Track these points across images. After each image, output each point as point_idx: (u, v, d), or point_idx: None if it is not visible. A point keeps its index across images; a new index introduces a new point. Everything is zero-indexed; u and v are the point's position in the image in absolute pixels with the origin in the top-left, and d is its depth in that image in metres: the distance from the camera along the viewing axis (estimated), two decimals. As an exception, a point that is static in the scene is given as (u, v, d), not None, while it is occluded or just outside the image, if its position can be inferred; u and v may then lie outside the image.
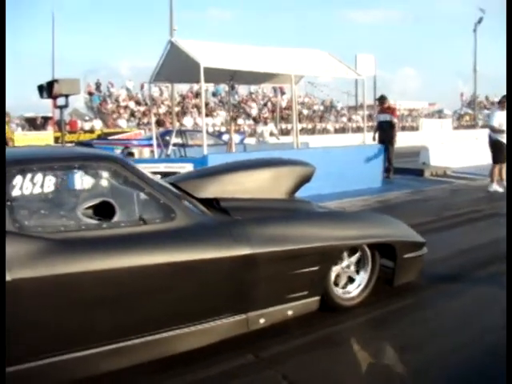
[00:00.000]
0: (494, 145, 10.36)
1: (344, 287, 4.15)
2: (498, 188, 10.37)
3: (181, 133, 13.70)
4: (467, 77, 44.96)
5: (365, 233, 4.23)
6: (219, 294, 3.45)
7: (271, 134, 19.26)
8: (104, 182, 3.37)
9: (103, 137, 23.82)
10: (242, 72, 10.85)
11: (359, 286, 4.20)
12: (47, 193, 3.11)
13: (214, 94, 38.79)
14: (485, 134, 23.64)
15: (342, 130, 37.38)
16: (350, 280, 4.19)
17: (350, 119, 41.32)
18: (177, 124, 20.80)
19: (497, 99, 56.26)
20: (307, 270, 3.74)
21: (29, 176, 3.00)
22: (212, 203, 3.78)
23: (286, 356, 3.37)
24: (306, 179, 4.58)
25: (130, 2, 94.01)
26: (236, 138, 16.01)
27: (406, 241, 4.43)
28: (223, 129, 30.40)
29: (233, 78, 11.73)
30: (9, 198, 2.86)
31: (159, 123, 29.12)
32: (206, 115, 35.67)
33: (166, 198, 3.35)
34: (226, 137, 16.30)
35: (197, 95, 35.78)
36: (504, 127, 9.89)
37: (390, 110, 12.77)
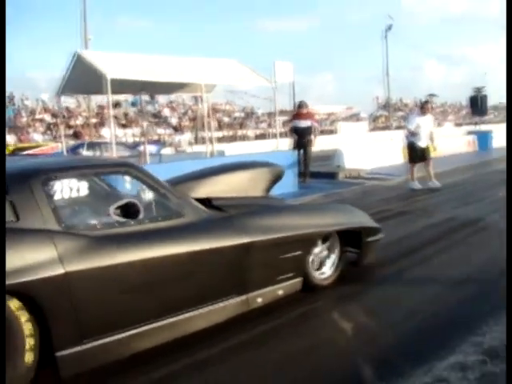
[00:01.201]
0: (408, 146, 11.13)
1: (319, 269, 4.71)
2: (417, 185, 10.96)
3: (93, 145, 13.36)
4: (381, 81, 46.58)
5: (336, 221, 4.87)
6: (226, 278, 3.92)
7: (189, 144, 19.16)
8: (128, 185, 3.87)
9: (16, 152, 22.65)
10: (152, 82, 10.73)
11: (331, 267, 4.78)
12: (83, 196, 3.64)
13: (134, 104, 38.18)
14: (399, 134, 24.67)
15: (263, 136, 37.79)
16: (322, 263, 4.77)
17: (269, 125, 41.86)
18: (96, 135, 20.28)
19: (409, 101, 58.37)
20: (292, 254, 4.30)
21: (66, 182, 3.46)
22: (205, 202, 4.17)
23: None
24: (277, 178, 5.17)
25: (45, 10, 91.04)
26: (152, 148, 15.80)
27: (368, 226, 5.08)
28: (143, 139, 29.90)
29: (143, 88, 11.60)
30: (52, 202, 3.19)
31: (76, 135, 28.28)
32: (126, 126, 35.12)
33: (176, 198, 3.80)
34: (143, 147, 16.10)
35: (115, 105, 35.08)
36: (420, 130, 10.55)
37: (310, 116, 13.06)
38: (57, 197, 3.34)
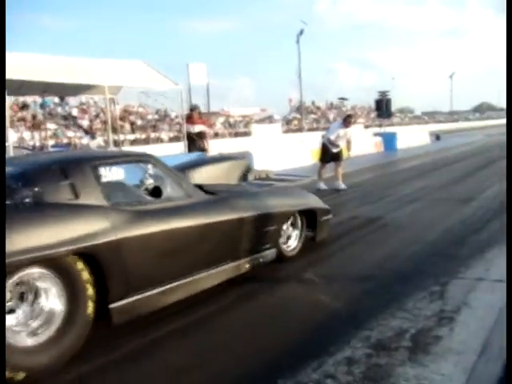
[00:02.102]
0: (322, 147, 11.55)
1: (286, 243, 5.63)
2: (323, 186, 11.26)
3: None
4: (296, 84, 47.49)
5: (299, 202, 5.96)
6: (224, 247, 4.68)
7: (98, 147, 18.62)
8: (150, 172, 4.55)
9: None
10: (58, 83, 10.36)
11: (295, 241, 5.77)
12: (119, 180, 4.30)
13: (42, 106, 36.65)
14: (311, 136, 25.15)
15: (177, 139, 37.41)
16: (289, 237, 5.71)
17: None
18: None
19: (322, 104, 59.68)
20: (270, 228, 5.20)
21: (107, 168, 4.11)
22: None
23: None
24: (247, 170, 6.63)
25: None
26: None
27: (322, 208, 6.21)
28: (51, 142, 28.78)
29: (47, 89, 11.18)
30: (100, 184, 3.86)
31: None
32: (35, 128, 33.61)
33: (185, 183, 4.65)
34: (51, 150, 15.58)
35: (23, 107, 33.53)
36: (339, 140, 10.98)
37: (202, 121, 13.10)
38: (103, 179, 4.01)
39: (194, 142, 12.64)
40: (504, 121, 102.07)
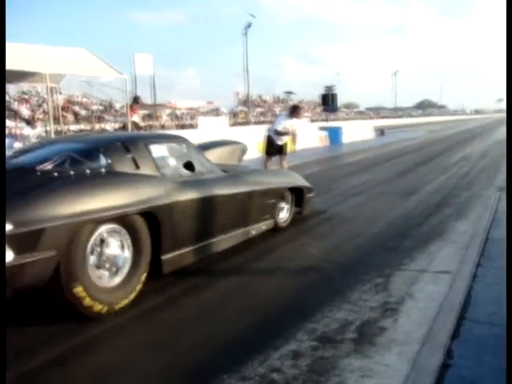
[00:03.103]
0: (267, 140, 11.22)
1: (278, 215, 6.51)
2: None
3: None
4: (243, 77, 47.41)
5: (289, 180, 7.02)
6: (239, 214, 5.59)
7: (38, 137, 17.94)
8: (185, 150, 5.23)
9: None
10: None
11: (287, 213, 6.75)
12: (166, 156, 4.90)
13: (-22, 94, 35.16)
14: (258, 129, 25.18)
15: (122, 130, 36.72)
16: (281, 210, 6.64)
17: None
18: None
19: (268, 98, 59.83)
20: (271, 201, 6.21)
21: (156, 146, 4.80)
22: None
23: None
24: (243, 152, 7.78)
25: None
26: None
27: (307, 186, 7.25)
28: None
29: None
30: (153, 159, 4.60)
31: None
32: (-31, 117, 32.22)
33: (208, 161, 5.46)
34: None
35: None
36: (285, 134, 10.65)
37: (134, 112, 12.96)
38: (155, 154, 4.68)
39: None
40: (444, 117, 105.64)
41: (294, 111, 10.87)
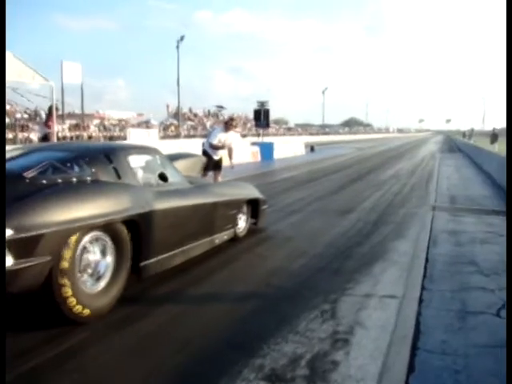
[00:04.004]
0: (203, 155, 10.67)
1: (237, 225, 6.76)
2: None
3: None
4: (174, 89, 46.71)
5: (247, 192, 7.26)
6: (204, 224, 5.74)
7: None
8: (159, 161, 5.40)
9: None
10: None
11: (244, 223, 7.01)
12: (142, 166, 5.04)
13: None
14: (188, 143, 24.78)
15: (47, 139, 35.20)
16: (239, 221, 6.89)
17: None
18: None
19: (199, 111, 59.41)
20: (232, 212, 6.48)
21: (134, 157, 4.93)
22: None
23: None
24: (202, 165, 8.41)
25: None
26: None
27: (262, 198, 7.55)
28: None
29: None
30: (133, 168, 4.77)
31: None
32: None
33: (178, 173, 5.67)
34: None
35: None
36: (220, 148, 10.21)
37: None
38: (132, 165, 4.81)
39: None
40: (370, 136, 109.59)
41: (229, 123, 10.55)
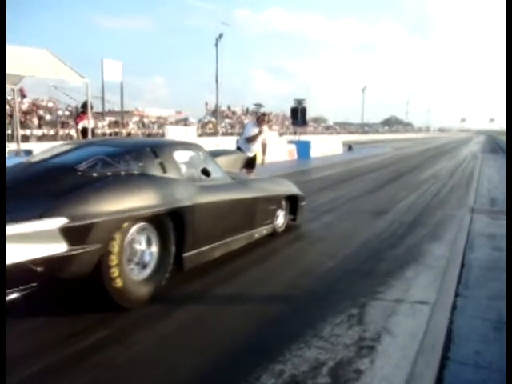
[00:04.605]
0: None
1: (276, 221, 6.86)
2: None
3: None
4: (213, 87, 46.77)
5: (287, 189, 7.36)
6: (246, 218, 5.95)
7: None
8: (202, 157, 5.55)
9: None
10: None
11: (282, 219, 7.08)
12: (186, 161, 5.19)
13: None
14: (225, 140, 24.74)
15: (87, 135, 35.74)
16: (278, 217, 6.94)
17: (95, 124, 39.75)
18: None
19: (237, 109, 59.57)
20: (272, 207, 6.62)
21: (179, 152, 5.10)
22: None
23: None
24: (243, 161, 8.18)
25: None
26: None
27: (301, 194, 7.61)
28: None
29: None
30: (178, 163, 4.95)
31: None
32: None
33: (220, 168, 5.83)
34: None
35: None
36: (255, 143, 9.98)
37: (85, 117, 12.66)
38: (178, 160, 4.99)
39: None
40: (410, 135, 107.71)
41: (260, 118, 10.37)
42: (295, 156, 24.91)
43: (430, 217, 8.60)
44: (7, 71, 9.37)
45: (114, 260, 3.82)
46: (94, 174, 4.12)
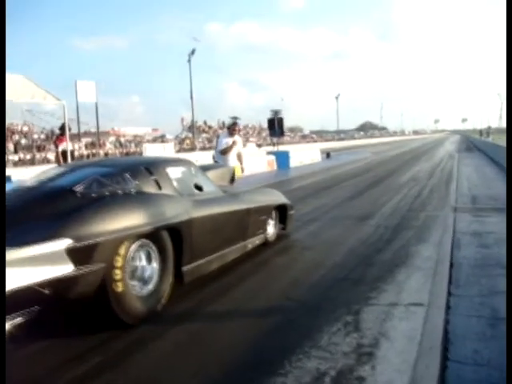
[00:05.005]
0: None
1: (267, 231, 6.96)
2: None
3: None
4: (188, 103, 46.79)
5: (276, 198, 7.49)
6: (238, 229, 6.02)
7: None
8: (193, 172, 5.72)
9: None
10: None
11: (273, 229, 7.19)
12: (180, 177, 5.31)
13: None
14: (203, 155, 24.69)
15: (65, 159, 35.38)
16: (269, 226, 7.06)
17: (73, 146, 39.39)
18: None
19: (214, 123, 59.51)
20: (263, 217, 6.75)
21: (171, 169, 5.23)
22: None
23: None
24: (233, 175, 8.02)
25: None
26: None
27: (289, 203, 7.72)
28: None
29: None
30: (171, 179, 5.07)
31: None
32: None
33: (212, 182, 5.99)
34: None
35: None
36: (229, 155, 9.87)
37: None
38: (172, 176, 5.11)
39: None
40: (385, 139, 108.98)
41: (232, 128, 10.31)
42: (275, 166, 24.99)
43: (413, 219, 8.67)
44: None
45: (117, 276, 3.88)
46: (93, 195, 4.20)
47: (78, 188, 4.25)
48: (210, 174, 6.57)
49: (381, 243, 6.84)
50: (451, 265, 5.57)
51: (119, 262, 3.91)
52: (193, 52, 45.65)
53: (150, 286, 4.34)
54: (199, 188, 5.46)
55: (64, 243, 3.49)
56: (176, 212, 4.66)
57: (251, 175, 16.74)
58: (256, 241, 6.49)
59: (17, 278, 3.24)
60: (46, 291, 3.45)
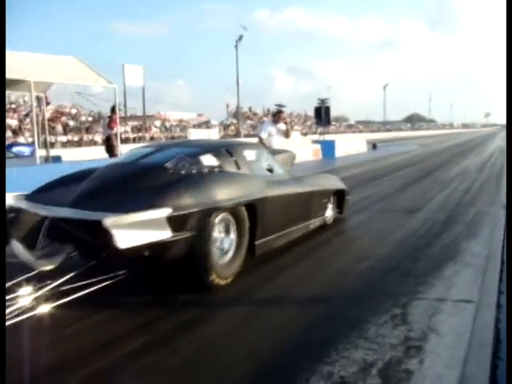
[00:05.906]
0: None
1: (325, 214, 7.30)
2: None
3: None
4: (233, 89, 46.86)
5: (334, 183, 7.89)
6: (302, 210, 6.42)
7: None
8: (265, 155, 6.26)
9: None
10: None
11: (331, 212, 7.49)
12: (254, 159, 5.85)
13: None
14: (247, 141, 24.62)
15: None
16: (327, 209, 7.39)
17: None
18: None
19: (259, 110, 59.46)
20: (324, 200, 7.12)
21: (247, 151, 5.81)
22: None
23: None
24: (294, 159, 8.28)
25: None
26: (27, 149, 17.80)
27: (346, 189, 8.06)
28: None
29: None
30: (248, 161, 5.65)
31: None
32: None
33: (279, 165, 6.43)
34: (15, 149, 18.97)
35: None
36: (272, 139, 9.71)
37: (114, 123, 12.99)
38: (248, 158, 5.67)
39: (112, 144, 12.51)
40: (433, 132, 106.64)
41: (276, 116, 10.21)
42: (320, 156, 24.84)
43: (463, 214, 8.47)
44: (35, 79, 9.50)
45: (203, 244, 4.34)
46: (182, 172, 4.75)
47: (169, 165, 4.80)
48: (276, 158, 6.84)
49: (430, 237, 6.73)
50: (502, 262, 5.44)
51: (206, 231, 4.36)
52: (240, 38, 45.58)
53: (228, 255, 4.80)
54: (270, 170, 5.99)
55: (165, 212, 3.98)
56: (253, 190, 5.10)
57: (296, 163, 16.64)
58: (317, 222, 6.89)
59: (122, 240, 3.70)
60: (146, 253, 4.00)
